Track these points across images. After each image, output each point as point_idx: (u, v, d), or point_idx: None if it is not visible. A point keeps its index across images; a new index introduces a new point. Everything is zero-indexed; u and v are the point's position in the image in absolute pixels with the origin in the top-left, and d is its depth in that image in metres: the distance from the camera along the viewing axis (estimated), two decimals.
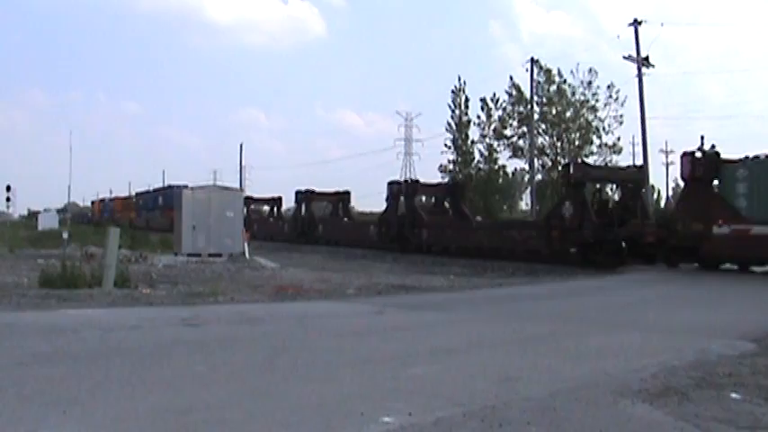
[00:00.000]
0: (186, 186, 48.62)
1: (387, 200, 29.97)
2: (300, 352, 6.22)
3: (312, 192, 37.47)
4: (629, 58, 31.38)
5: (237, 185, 55.49)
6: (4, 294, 10.03)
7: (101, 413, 4.02)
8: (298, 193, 37.90)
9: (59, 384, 4.70)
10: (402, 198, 28.75)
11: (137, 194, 66.43)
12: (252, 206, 44.42)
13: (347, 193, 37.07)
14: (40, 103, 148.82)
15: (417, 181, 31.45)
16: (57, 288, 10.71)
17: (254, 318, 8.60)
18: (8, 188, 40.43)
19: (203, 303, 9.94)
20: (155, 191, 59.69)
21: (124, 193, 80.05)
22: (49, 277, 11.40)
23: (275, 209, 43.72)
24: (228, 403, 4.28)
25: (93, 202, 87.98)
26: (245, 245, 22.30)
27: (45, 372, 5.07)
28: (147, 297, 10.37)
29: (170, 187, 52.63)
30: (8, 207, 43.88)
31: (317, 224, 35.84)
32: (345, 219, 36.21)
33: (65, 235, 20.44)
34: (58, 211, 64.26)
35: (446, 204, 28.90)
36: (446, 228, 26.81)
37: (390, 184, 30.25)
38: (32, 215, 66.33)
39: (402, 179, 36.13)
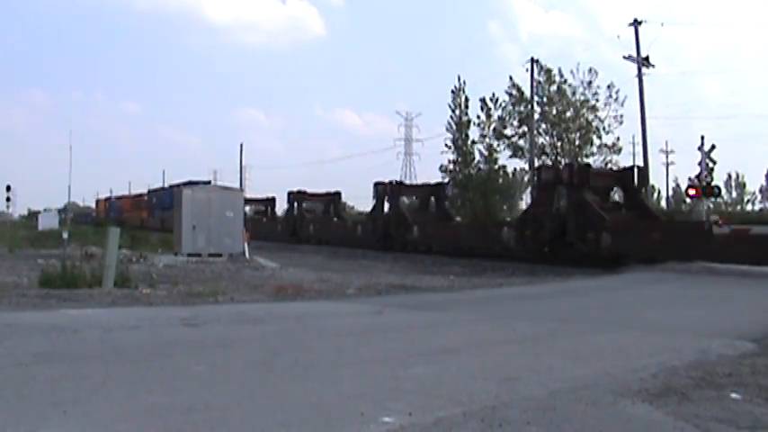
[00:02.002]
0: (209, 182, 46.19)
1: (535, 191, 23.19)
2: (300, 352, 6.22)
3: (400, 183, 30.31)
4: (629, 58, 31.42)
5: (237, 185, 54.66)
6: (4, 294, 10.03)
7: (101, 413, 4.02)
8: (377, 184, 30.12)
9: (59, 384, 4.70)
10: (559, 189, 21.44)
11: (150, 192, 61.27)
12: (304, 204, 38.13)
13: (442, 186, 29.92)
14: (39, 103, 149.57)
15: (589, 165, 22.87)
16: (57, 288, 10.72)
17: (254, 318, 8.60)
18: (8, 188, 40.49)
19: (203, 303, 9.94)
20: (171, 187, 52.63)
21: (124, 193, 78.89)
22: (49, 277, 11.40)
23: (332, 206, 37.05)
24: (228, 403, 4.28)
25: (97, 201, 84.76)
26: (245, 245, 22.32)
27: (45, 372, 5.07)
28: (147, 297, 10.37)
29: (190, 183, 46.01)
30: (8, 207, 43.91)
31: (410, 225, 27.21)
32: (457, 219, 28.73)
33: (65, 235, 20.48)
34: (60, 211, 63.46)
35: (616, 197, 21.95)
36: (651, 232, 18.91)
37: (540, 168, 22.93)
38: (32, 215, 65.96)
39: (563, 164, 26.23)
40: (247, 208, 43.20)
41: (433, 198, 28.68)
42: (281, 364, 5.63)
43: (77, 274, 11.38)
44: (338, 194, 37.54)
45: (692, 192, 25.27)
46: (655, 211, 21.08)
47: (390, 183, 30.10)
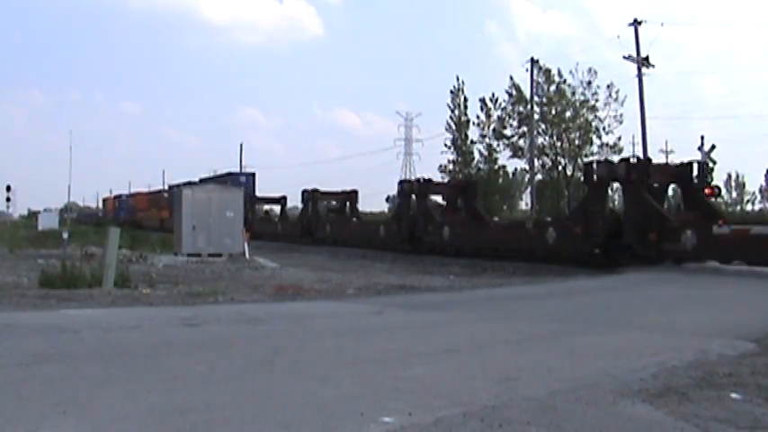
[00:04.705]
0: (253, 174, 41.87)
1: None
2: (300, 352, 6.22)
3: (648, 161, 20.65)
4: (629, 58, 31.48)
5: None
6: (4, 294, 10.03)
7: (101, 413, 4.02)
8: (589, 164, 21.65)
9: (59, 384, 4.70)
10: None
11: (171, 188, 52.29)
12: (430, 195, 28.07)
13: (693, 165, 20.22)
14: (39, 103, 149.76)
15: None
16: (57, 288, 10.72)
17: (254, 318, 8.59)
18: (8, 188, 40.55)
19: (203, 303, 9.94)
20: (202, 181, 43.28)
21: (125, 192, 77.15)
22: (49, 277, 11.40)
23: (459, 200, 27.09)
24: (228, 403, 4.28)
25: (104, 200, 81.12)
26: (245, 245, 22.31)
27: (45, 372, 5.07)
28: (147, 297, 10.37)
29: (229, 174, 41.15)
30: (8, 207, 43.88)
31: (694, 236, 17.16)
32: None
33: (65, 235, 20.47)
34: (62, 210, 62.98)
35: None
36: None
37: None
38: (32, 215, 65.66)
39: None
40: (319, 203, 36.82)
41: (678, 184, 21.04)
42: (281, 364, 5.62)
43: (77, 274, 11.38)
44: (473, 184, 28.63)
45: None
46: None
47: (629, 161, 19.96)
